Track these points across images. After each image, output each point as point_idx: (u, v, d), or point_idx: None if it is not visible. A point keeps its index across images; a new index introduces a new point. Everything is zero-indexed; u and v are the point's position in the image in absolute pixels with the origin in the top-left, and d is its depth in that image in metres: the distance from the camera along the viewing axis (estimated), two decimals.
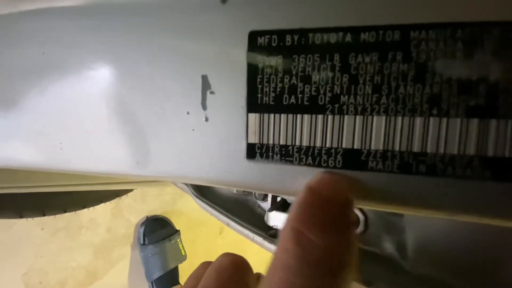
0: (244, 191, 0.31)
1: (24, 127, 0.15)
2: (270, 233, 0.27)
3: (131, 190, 0.71)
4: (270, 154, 0.12)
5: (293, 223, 0.10)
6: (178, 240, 0.82)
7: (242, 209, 0.33)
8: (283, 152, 0.12)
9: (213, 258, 0.15)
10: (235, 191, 0.31)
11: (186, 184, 0.35)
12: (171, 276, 0.80)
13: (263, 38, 0.11)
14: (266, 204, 0.30)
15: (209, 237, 0.89)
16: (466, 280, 0.21)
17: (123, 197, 0.77)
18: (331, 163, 0.11)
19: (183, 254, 0.82)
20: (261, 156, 0.12)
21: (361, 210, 0.24)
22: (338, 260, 0.09)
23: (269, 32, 0.11)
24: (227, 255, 0.15)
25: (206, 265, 0.15)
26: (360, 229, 0.25)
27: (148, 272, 0.80)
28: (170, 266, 0.79)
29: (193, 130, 0.13)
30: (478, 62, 0.09)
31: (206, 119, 0.12)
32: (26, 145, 0.15)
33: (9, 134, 0.15)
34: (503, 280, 0.20)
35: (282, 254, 0.09)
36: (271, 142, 0.12)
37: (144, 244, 0.80)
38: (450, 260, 0.22)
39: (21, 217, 0.48)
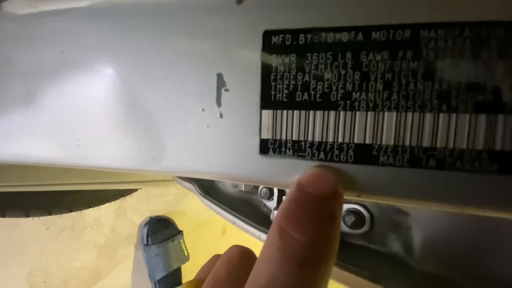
0: (249, 190, 0.32)
1: (43, 124, 0.16)
2: None
3: (136, 190, 0.72)
4: (283, 149, 0.12)
5: (277, 219, 0.10)
6: (181, 241, 0.82)
7: (247, 208, 0.33)
8: (296, 147, 0.12)
9: (218, 253, 0.16)
10: (243, 188, 0.31)
11: (192, 184, 0.36)
12: (174, 276, 0.80)
13: (277, 37, 0.12)
14: (272, 203, 0.31)
15: (211, 237, 0.89)
16: (473, 278, 0.21)
17: (127, 198, 0.78)
18: (343, 158, 0.11)
19: (186, 254, 0.82)
20: (274, 151, 0.12)
21: (366, 208, 0.25)
22: (318, 255, 0.10)
23: (283, 32, 0.12)
24: (236, 246, 0.16)
25: (217, 257, 0.16)
26: (365, 227, 0.25)
27: (151, 273, 0.80)
28: (173, 267, 0.79)
29: (208, 126, 0.13)
30: (486, 59, 0.10)
31: (221, 116, 0.13)
32: (45, 142, 0.16)
33: (28, 131, 0.16)
34: (509, 279, 0.20)
35: (268, 248, 0.10)
36: (283, 137, 0.12)
37: (147, 244, 0.80)
38: (457, 259, 0.22)
39: (28, 216, 0.49)
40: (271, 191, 0.30)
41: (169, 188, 0.86)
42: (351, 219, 0.25)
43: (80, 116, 0.15)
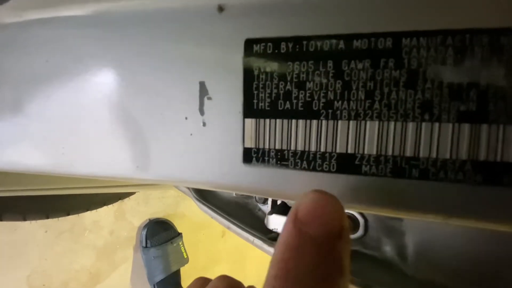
0: (244, 194, 0.32)
1: (30, 133, 0.16)
2: (270, 236, 0.27)
3: (133, 193, 0.72)
4: (266, 158, 0.12)
5: (271, 276, 0.08)
6: (180, 243, 0.82)
7: (242, 212, 0.33)
8: (279, 156, 0.12)
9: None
10: (234, 194, 0.31)
11: (188, 187, 0.36)
12: (173, 279, 0.80)
13: (258, 45, 0.12)
14: (267, 207, 0.30)
15: (211, 240, 0.89)
16: (466, 284, 0.21)
17: (126, 200, 0.78)
18: (326, 167, 0.11)
19: (185, 257, 0.82)
20: (257, 160, 0.12)
21: (361, 213, 0.24)
22: None
23: (265, 40, 0.11)
24: (223, 278, 0.14)
25: (200, 281, 0.15)
26: (360, 232, 0.25)
27: (150, 275, 0.80)
28: (172, 269, 0.79)
29: (191, 134, 0.13)
30: (468, 68, 0.10)
31: (204, 124, 0.13)
32: (32, 150, 0.16)
33: (16, 139, 0.16)
34: (504, 285, 0.19)
35: None
36: (267, 146, 0.12)
37: (146, 247, 0.80)
38: (451, 265, 0.22)
39: (25, 219, 0.49)
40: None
41: (169, 191, 0.86)
42: None
43: (66, 124, 0.15)
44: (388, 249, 0.24)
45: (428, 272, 0.22)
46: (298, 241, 0.08)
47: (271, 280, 0.08)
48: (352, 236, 0.25)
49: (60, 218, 0.55)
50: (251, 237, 0.28)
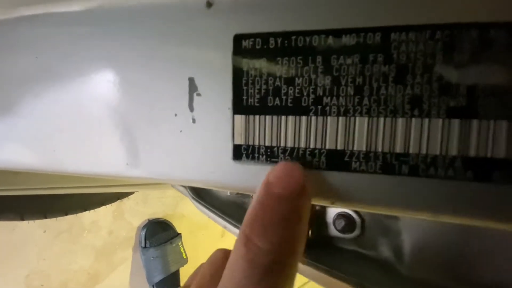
0: (240, 194, 0.31)
1: (20, 131, 0.16)
2: None
3: (132, 193, 0.72)
4: (256, 155, 0.12)
5: (243, 225, 0.11)
6: (179, 244, 0.82)
7: (239, 212, 0.33)
8: (269, 153, 0.12)
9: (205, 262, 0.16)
10: (229, 193, 0.31)
11: (185, 187, 0.36)
12: (172, 279, 0.80)
13: (247, 41, 0.11)
14: None
15: (210, 240, 0.89)
16: (464, 284, 0.21)
17: (125, 200, 0.78)
18: (315, 164, 0.11)
19: (184, 257, 0.82)
20: (247, 157, 0.12)
21: (357, 213, 0.24)
22: (282, 260, 0.10)
23: (253, 35, 0.11)
24: (219, 250, 0.16)
25: (220, 253, 0.17)
26: (356, 232, 0.25)
27: (149, 275, 0.80)
28: (171, 270, 0.79)
29: (181, 131, 0.13)
30: (458, 63, 0.10)
31: (193, 121, 0.13)
32: (22, 148, 0.16)
33: (6, 137, 0.16)
34: (498, 285, 0.19)
35: (234, 255, 0.11)
36: (256, 143, 0.12)
37: (145, 247, 0.80)
38: (448, 264, 0.21)
39: (22, 219, 0.49)
40: None
41: (168, 191, 0.86)
42: (341, 223, 0.25)
43: (55, 123, 0.15)
44: (384, 249, 0.24)
45: (424, 272, 0.22)
46: (266, 198, 0.11)
47: (244, 228, 0.10)
48: (349, 236, 0.25)
49: (58, 218, 0.55)
50: None
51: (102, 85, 0.14)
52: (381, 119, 0.10)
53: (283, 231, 0.10)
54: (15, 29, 0.15)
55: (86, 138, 0.14)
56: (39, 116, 0.15)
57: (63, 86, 0.15)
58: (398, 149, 0.10)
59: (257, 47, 0.11)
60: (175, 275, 0.81)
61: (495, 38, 0.09)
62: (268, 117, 0.12)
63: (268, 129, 0.12)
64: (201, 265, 0.18)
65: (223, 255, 0.16)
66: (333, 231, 0.25)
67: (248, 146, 0.12)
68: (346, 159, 0.11)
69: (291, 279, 0.10)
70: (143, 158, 0.13)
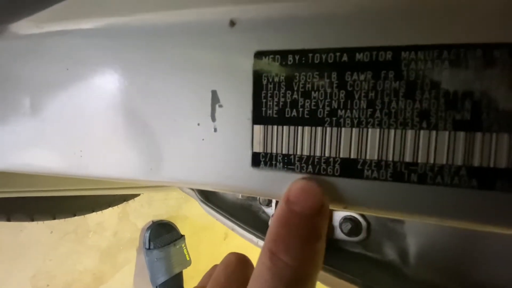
0: (248, 197, 0.32)
1: (48, 136, 0.16)
2: None
3: (138, 195, 0.73)
4: (274, 162, 0.13)
5: (267, 241, 0.11)
6: (183, 245, 0.82)
7: (246, 214, 0.33)
8: (286, 160, 0.13)
9: (217, 263, 0.17)
10: (240, 197, 0.32)
11: (193, 190, 0.36)
12: (176, 281, 0.80)
13: (267, 57, 0.12)
14: (270, 210, 0.31)
15: (213, 242, 0.90)
16: (467, 286, 0.22)
17: (130, 202, 0.79)
18: (330, 171, 0.12)
19: (188, 259, 0.82)
20: (265, 164, 0.13)
21: (363, 216, 0.25)
22: (304, 273, 0.11)
23: (273, 52, 0.12)
24: (232, 253, 0.17)
25: (216, 266, 0.17)
26: (362, 235, 0.25)
27: (153, 277, 0.80)
28: (174, 271, 0.80)
29: (203, 140, 0.14)
30: (463, 80, 0.10)
31: (215, 130, 0.14)
32: (49, 153, 0.17)
33: (35, 142, 0.17)
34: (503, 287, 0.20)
35: (259, 267, 0.11)
36: (274, 151, 0.13)
37: (149, 248, 0.80)
38: (453, 267, 0.22)
39: (32, 220, 0.50)
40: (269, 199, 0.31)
41: (172, 193, 0.87)
42: (347, 226, 0.26)
43: (83, 128, 0.16)
44: (389, 251, 0.25)
45: (429, 274, 0.22)
46: (288, 216, 0.11)
47: (267, 244, 0.11)
48: (355, 239, 0.26)
49: (65, 220, 0.56)
50: (255, 239, 0.28)
51: (129, 95, 0.15)
52: (392, 131, 0.11)
53: (305, 248, 0.11)
54: (44, 43, 0.16)
55: (112, 144, 0.15)
56: (67, 123, 0.16)
57: (90, 95, 0.15)
58: (408, 158, 0.11)
59: (277, 63, 0.12)
60: (179, 277, 0.81)
61: (498, 57, 0.10)
62: (285, 127, 0.12)
63: (285, 139, 0.12)
64: (213, 267, 0.19)
65: (236, 259, 0.17)
66: (340, 234, 0.26)
67: (266, 154, 0.13)
68: (359, 167, 0.12)
69: None
70: (166, 164, 0.14)
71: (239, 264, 0.16)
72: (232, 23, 0.12)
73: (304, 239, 0.11)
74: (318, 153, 0.12)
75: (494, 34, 0.10)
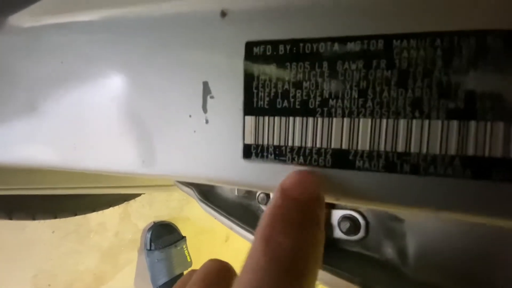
0: (246, 195, 0.32)
1: (44, 130, 0.17)
2: None
3: (139, 195, 0.73)
4: (265, 154, 0.13)
5: (261, 226, 0.10)
6: (184, 247, 0.82)
7: (245, 213, 0.33)
8: (277, 152, 0.12)
9: (195, 269, 0.15)
10: (236, 193, 0.32)
11: (191, 188, 0.36)
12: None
13: (258, 47, 0.12)
14: None
15: (214, 244, 0.89)
16: (466, 286, 0.21)
17: (131, 202, 0.79)
18: (321, 162, 0.12)
19: (189, 260, 0.82)
20: (257, 155, 0.13)
21: (362, 215, 0.25)
22: (303, 259, 0.10)
23: (264, 43, 0.12)
24: (214, 260, 0.15)
25: (192, 272, 0.15)
26: (361, 234, 0.25)
27: (154, 278, 0.80)
28: (175, 272, 0.79)
29: (195, 131, 0.14)
30: (457, 68, 0.10)
31: (207, 122, 0.13)
32: (45, 146, 0.17)
33: (31, 136, 0.17)
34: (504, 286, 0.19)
35: (253, 254, 0.10)
36: (265, 142, 0.13)
37: (150, 249, 0.80)
38: (452, 267, 0.22)
39: (34, 219, 0.50)
40: (268, 196, 0.30)
41: (173, 194, 0.87)
42: (346, 225, 0.25)
43: (77, 122, 0.16)
44: (388, 250, 0.24)
45: (429, 274, 0.22)
46: (283, 202, 0.11)
47: (260, 230, 0.10)
48: (354, 238, 0.25)
49: (66, 219, 0.56)
50: (253, 238, 0.28)
51: (122, 87, 0.15)
52: (384, 120, 0.11)
53: (303, 232, 0.10)
54: (41, 36, 0.16)
55: (105, 137, 0.15)
56: (62, 116, 0.16)
57: (85, 89, 0.16)
58: (400, 148, 0.11)
59: (267, 53, 0.12)
60: (179, 278, 0.81)
61: (491, 45, 0.10)
62: (277, 118, 0.12)
63: (276, 130, 0.12)
64: (191, 272, 0.16)
65: (218, 267, 0.15)
66: (338, 233, 0.25)
67: (258, 145, 0.13)
68: (350, 158, 0.11)
69: (311, 285, 0.10)
70: (158, 156, 0.14)
71: (220, 274, 0.14)
72: (223, 14, 0.12)
73: (302, 222, 0.10)
74: (309, 144, 0.12)
75: (487, 21, 0.10)
